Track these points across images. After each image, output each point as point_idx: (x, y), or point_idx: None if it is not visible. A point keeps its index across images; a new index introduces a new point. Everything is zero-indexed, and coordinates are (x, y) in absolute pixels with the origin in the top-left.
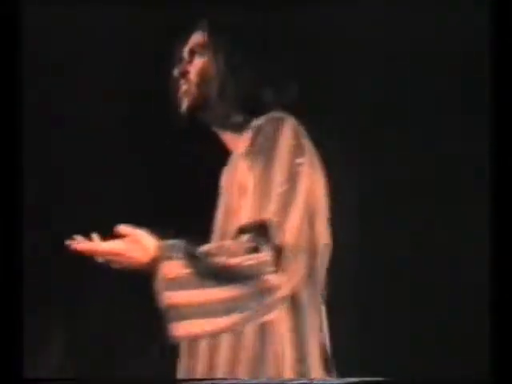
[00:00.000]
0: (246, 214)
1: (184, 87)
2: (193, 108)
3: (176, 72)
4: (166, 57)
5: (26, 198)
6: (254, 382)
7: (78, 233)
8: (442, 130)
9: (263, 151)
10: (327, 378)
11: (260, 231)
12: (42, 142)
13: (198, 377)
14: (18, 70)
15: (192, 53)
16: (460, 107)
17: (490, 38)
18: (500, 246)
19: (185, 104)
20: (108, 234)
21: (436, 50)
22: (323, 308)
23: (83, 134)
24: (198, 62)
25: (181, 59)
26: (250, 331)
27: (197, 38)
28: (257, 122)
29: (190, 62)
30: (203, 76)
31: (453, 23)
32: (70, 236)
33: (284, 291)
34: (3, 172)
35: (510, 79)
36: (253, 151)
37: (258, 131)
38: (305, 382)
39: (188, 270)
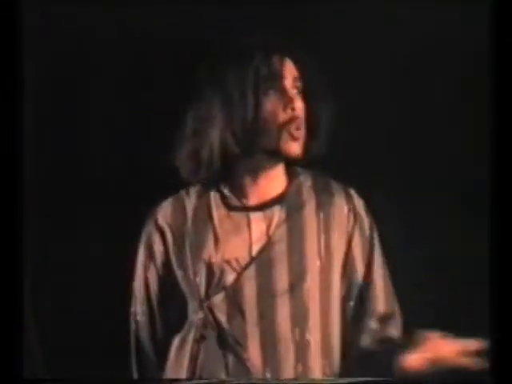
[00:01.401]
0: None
1: (298, 130)
2: (302, 154)
3: (290, 110)
4: (168, 57)
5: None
6: (254, 382)
7: None
8: (442, 131)
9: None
10: (327, 378)
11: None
12: (42, 141)
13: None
14: (17, 70)
15: (294, 88)
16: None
17: (490, 39)
18: (501, 247)
19: (297, 149)
20: None
21: (436, 50)
22: None
23: (83, 135)
24: (300, 100)
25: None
26: None
27: (289, 67)
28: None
29: (295, 98)
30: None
31: (453, 23)
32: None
33: None
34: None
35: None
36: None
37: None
38: (303, 382)
39: None
